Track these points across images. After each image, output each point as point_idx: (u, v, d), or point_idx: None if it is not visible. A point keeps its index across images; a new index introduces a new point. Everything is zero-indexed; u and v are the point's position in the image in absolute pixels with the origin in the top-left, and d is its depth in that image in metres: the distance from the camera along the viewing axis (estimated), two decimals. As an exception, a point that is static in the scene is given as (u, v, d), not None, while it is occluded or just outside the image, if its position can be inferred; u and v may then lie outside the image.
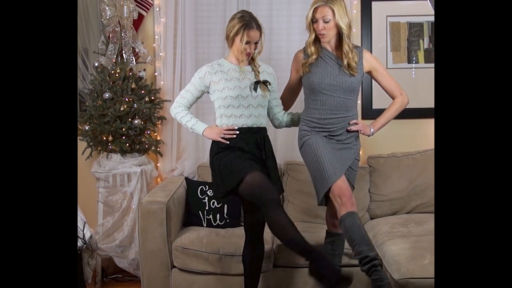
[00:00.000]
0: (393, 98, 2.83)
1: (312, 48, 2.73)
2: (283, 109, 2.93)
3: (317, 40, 2.73)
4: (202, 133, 2.77)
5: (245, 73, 2.76)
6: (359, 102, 3.77)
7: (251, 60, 2.79)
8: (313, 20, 2.66)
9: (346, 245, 3.00)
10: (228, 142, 2.68)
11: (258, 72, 2.77)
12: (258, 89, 2.72)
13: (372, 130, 2.81)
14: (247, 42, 2.68)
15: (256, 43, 2.72)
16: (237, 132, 2.69)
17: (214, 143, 2.73)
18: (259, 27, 2.71)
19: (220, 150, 2.70)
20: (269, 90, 2.77)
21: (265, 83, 2.75)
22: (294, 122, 2.93)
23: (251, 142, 2.70)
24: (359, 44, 3.79)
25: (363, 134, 2.80)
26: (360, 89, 3.76)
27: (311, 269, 2.44)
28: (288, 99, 2.94)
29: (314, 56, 2.72)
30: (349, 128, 2.73)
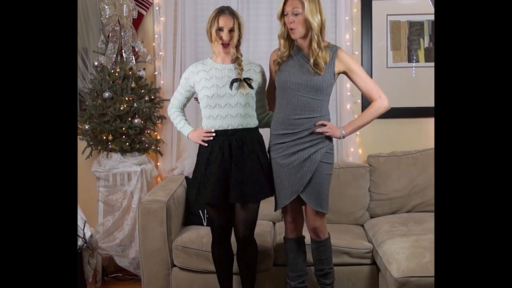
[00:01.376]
0: (371, 101, 2.68)
1: (282, 42, 2.65)
2: (269, 109, 2.88)
3: (288, 35, 2.64)
4: (188, 137, 2.82)
5: (226, 71, 2.72)
6: (359, 101, 3.79)
7: (236, 58, 2.74)
8: (284, 13, 2.59)
9: (342, 242, 3.03)
10: (206, 145, 2.70)
11: (242, 70, 2.70)
12: (236, 87, 2.67)
13: (343, 133, 2.67)
14: (220, 29, 2.65)
15: (231, 31, 2.67)
16: (214, 134, 2.68)
17: (200, 145, 2.78)
18: (232, 14, 2.67)
19: (198, 155, 2.78)
20: (252, 88, 2.70)
21: (246, 80, 2.69)
22: (268, 122, 2.81)
23: (225, 146, 2.67)
24: (360, 43, 3.81)
25: (332, 136, 2.67)
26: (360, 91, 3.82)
27: None
28: (270, 98, 2.87)
29: (284, 50, 2.65)
30: (314, 130, 2.62)
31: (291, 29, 2.59)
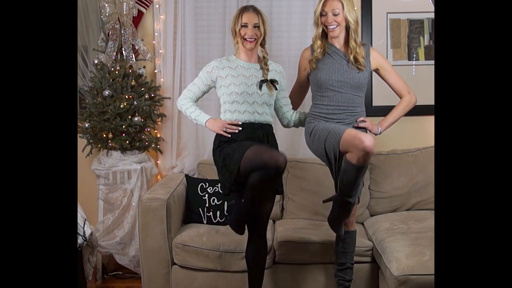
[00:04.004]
0: (400, 97, 2.82)
1: (318, 42, 2.72)
2: (292, 108, 2.91)
3: (323, 35, 2.73)
4: (205, 124, 2.76)
5: (252, 71, 2.75)
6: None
7: (262, 58, 2.78)
8: (322, 14, 2.67)
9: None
10: (229, 136, 2.67)
11: (268, 70, 2.75)
12: (264, 87, 2.71)
13: (380, 129, 2.79)
14: (245, 25, 2.67)
15: (256, 27, 2.69)
16: (240, 127, 2.68)
17: (217, 137, 2.73)
18: (256, 11, 2.71)
19: (221, 144, 2.68)
20: (276, 89, 2.75)
21: (272, 82, 2.73)
22: (301, 121, 2.89)
23: (254, 136, 2.68)
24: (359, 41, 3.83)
25: (370, 131, 2.77)
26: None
27: None
28: (297, 97, 2.93)
29: (320, 50, 2.71)
30: (356, 125, 2.71)
31: (331, 29, 2.66)
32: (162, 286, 3.15)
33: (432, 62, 3.80)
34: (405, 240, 2.89)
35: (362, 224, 3.49)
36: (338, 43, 2.73)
